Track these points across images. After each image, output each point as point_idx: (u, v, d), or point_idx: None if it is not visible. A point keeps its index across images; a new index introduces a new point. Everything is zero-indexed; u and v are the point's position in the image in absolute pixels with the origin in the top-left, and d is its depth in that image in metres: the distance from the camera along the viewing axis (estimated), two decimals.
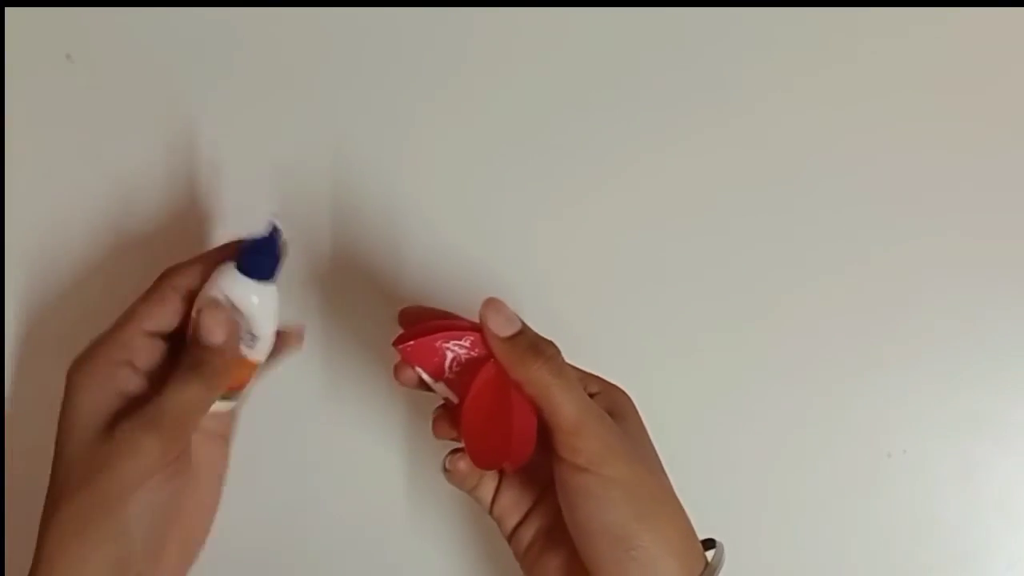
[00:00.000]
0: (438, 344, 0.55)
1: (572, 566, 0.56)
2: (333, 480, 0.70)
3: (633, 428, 0.58)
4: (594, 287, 0.70)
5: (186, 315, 0.58)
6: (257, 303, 0.57)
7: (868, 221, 0.69)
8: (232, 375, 0.58)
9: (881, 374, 0.69)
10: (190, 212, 0.69)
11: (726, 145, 0.70)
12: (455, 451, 0.58)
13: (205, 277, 0.57)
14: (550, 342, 0.55)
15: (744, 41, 0.70)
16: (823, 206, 0.70)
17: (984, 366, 0.69)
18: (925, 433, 0.69)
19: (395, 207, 0.70)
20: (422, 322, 0.57)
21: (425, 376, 0.56)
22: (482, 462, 0.55)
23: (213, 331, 0.56)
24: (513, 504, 0.60)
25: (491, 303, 0.54)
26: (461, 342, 0.55)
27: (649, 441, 0.58)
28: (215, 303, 0.56)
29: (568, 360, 0.55)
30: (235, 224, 0.68)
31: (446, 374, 0.56)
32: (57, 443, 0.56)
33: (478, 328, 0.55)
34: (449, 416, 0.57)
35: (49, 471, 0.58)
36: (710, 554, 0.57)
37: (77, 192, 0.69)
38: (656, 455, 0.58)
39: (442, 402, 0.58)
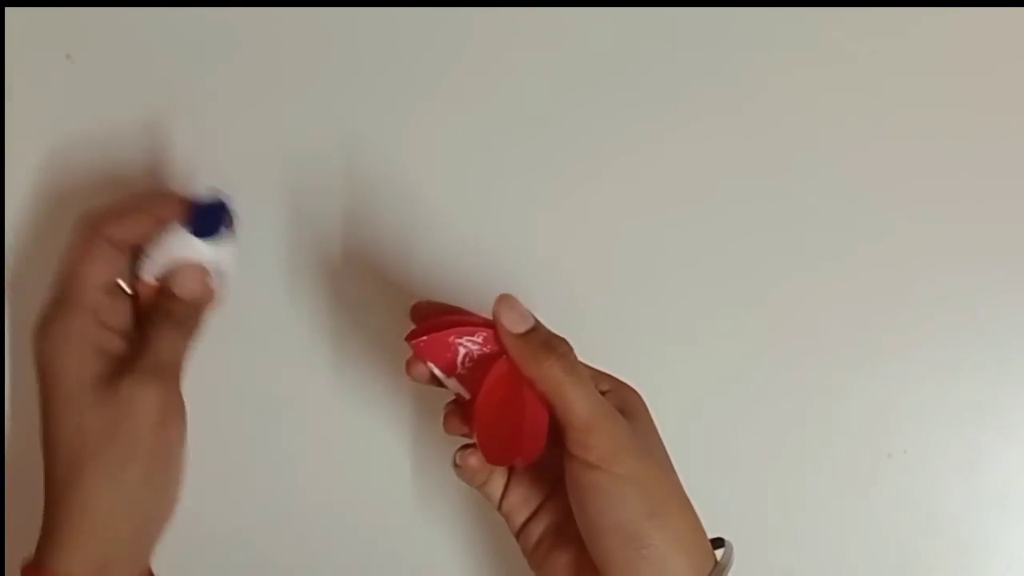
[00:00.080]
0: (451, 340, 0.55)
1: (581, 564, 0.56)
2: (340, 474, 0.70)
3: (644, 426, 0.58)
4: (602, 279, 0.70)
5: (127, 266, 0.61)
6: (216, 261, 0.61)
7: (867, 213, 0.70)
8: None
9: (882, 365, 0.69)
10: None
11: (728, 138, 0.70)
12: (465, 447, 0.58)
13: (142, 232, 0.61)
14: (563, 339, 0.55)
15: (744, 40, 0.70)
16: (823, 198, 0.70)
17: (986, 356, 0.69)
18: (926, 426, 0.69)
19: (404, 202, 0.70)
20: (434, 317, 0.57)
21: (437, 371, 0.56)
22: (493, 458, 0.55)
23: (195, 287, 0.61)
24: (522, 500, 0.60)
25: (504, 299, 0.54)
26: (474, 338, 0.55)
27: (659, 439, 0.59)
28: (190, 261, 0.61)
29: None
30: (239, 225, 0.68)
31: (458, 370, 0.56)
32: (49, 414, 0.59)
33: (491, 324, 0.55)
34: (460, 412, 0.57)
35: None
36: (719, 553, 0.57)
37: (77, 192, 0.69)
38: (666, 453, 0.58)
39: (452, 398, 0.58)
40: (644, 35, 0.70)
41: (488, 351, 0.55)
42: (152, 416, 0.58)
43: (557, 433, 0.55)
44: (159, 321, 0.61)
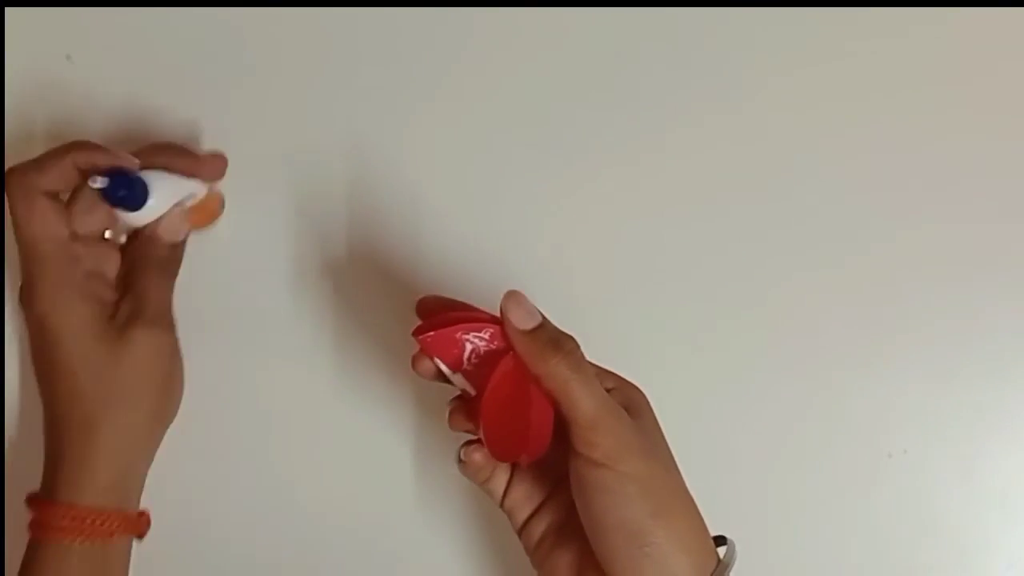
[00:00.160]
0: (458, 336, 0.55)
1: (583, 561, 0.56)
2: (342, 473, 0.70)
3: (648, 424, 0.58)
4: (603, 278, 0.70)
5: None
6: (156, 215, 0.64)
7: (868, 213, 0.70)
8: None
9: (882, 366, 0.69)
10: None
11: (730, 136, 0.70)
12: (470, 442, 0.58)
13: (67, 178, 0.62)
14: (570, 337, 0.55)
15: (744, 41, 0.70)
16: (823, 202, 0.70)
17: (986, 357, 0.69)
18: (926, 426, 0.69)
19: (405, 202, 0.70)
20: (440, 313, 0.57)
21: (443, 367, 0.56)
22: (499, 454, 0.55)
23: (179, 232, 0.66)
24: (525, 497, 0.60)
25: (512, 296, 0.54)
26: (480, 334, 0.55)
27: (663, 438, 0.59)
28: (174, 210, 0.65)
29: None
30: (240, 223, 0.68)
31: (464, 366, 0.56)
32: (60, 370, 0.62)
33: (498, 320, 0.55)
34: (465, 408, 0.57)
35: None
36: (721, 551, 0.57)
37: None
38: (670, 452, 0.58)
39: (457, 394, 0.58)
40: (644, 35, 0.70)
41: (495, 347, 0.55)
42: (165, 362, 0.65)
43: (561, 430, 0.55)
44: (149, 268, 0.65)
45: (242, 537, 0.70)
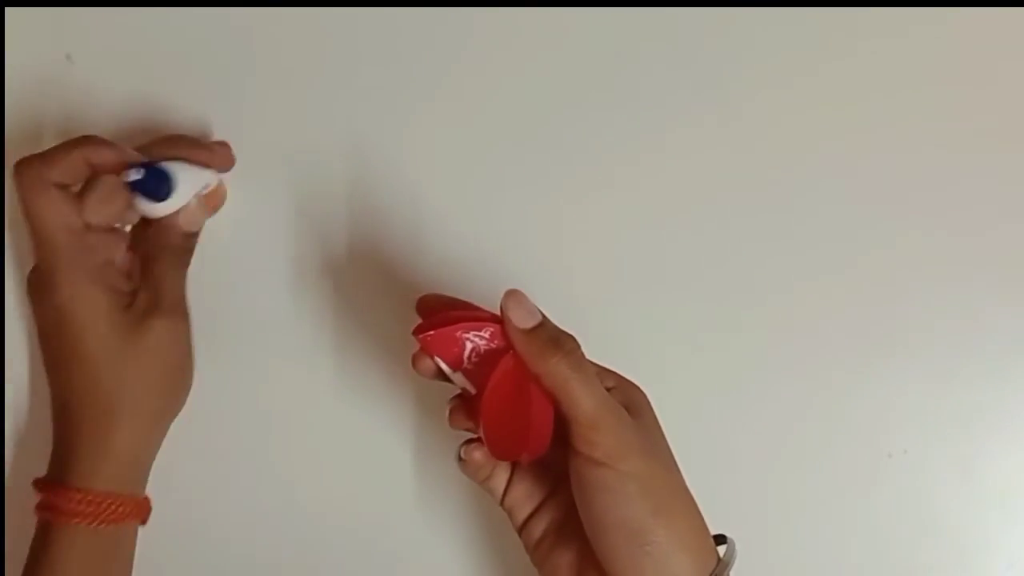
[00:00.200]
0: (458, 334, 0.55)
1: (584, 560, 0.56)
2: (342, 473, 0.70)
3: (648, 423, 0.58)
4: (603, 279, 0.70)
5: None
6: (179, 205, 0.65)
7: (868, 215, 0.70)
8: None
9: (882, 366, 0.69)
10: None
11: (730, 137, 0.70)
12: (470, 441, 0.58)
13: (77, 171, 0.62)
14: (570, 336, 0.55)
15: (745, 40, 0.70)
16: (822, 204, 0.70)
17: (986, 357, 0.69)
18: (926, 426, 0.69)
19: (405, 202, 0.70)
20: (440, 311, 0.57)
21: (443, 366, 0.56)
22: (499, 453, 0.55)
23: (198, 222, 0.67)
24: (526, 496, 0.60)
25: (512, 295, 0.54)
26: (481, 333, 0.55)
27: (664, 437, 0.59)
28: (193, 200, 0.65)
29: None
30: (242, 223, 0.69)
31: (464, 364, 0.56)
32: (74, 358, 0.62)
33: (498, 319, 0.55)
34: (465, 407, 0.57)
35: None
36: (722, 549, 0.57)
37: None
38: (670, 451, 0.58)
39: (457, 393, 0.58)
40: (645, 35, 0.70)
41: (495, 346, 0.55)
42: (181, 350, 0.66)
43: (561, 429, 0.55)
44: (164, 257, 0.65)
45: (242, 537, 0.69)
